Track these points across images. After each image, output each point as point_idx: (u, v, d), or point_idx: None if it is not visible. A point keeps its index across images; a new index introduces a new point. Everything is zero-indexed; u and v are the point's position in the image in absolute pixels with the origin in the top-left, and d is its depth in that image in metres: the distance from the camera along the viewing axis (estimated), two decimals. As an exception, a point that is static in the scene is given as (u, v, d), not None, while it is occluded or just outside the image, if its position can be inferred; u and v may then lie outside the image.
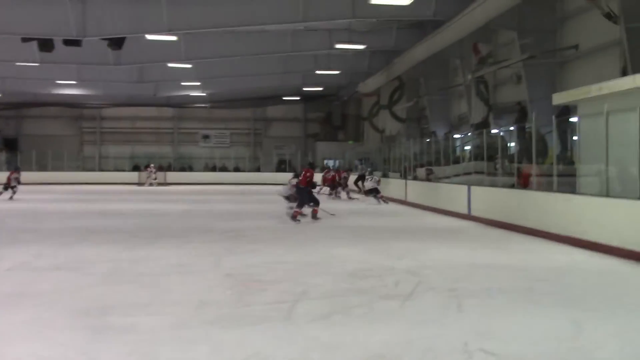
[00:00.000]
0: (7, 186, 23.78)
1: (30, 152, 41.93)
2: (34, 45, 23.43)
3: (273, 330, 5.58)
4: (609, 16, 15.72)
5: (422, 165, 23.59)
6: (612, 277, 8.56)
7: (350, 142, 45.92)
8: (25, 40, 22.63)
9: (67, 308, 6.36)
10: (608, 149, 10.89)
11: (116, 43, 23.26)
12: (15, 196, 23.38)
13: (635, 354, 5.02)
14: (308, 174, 16.31)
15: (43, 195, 27.45)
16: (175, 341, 5.25)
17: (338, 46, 26.36)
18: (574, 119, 15.07)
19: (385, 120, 38.24)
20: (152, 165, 40.63)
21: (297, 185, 16.32)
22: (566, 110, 16.17)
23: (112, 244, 11.34)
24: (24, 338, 5.29)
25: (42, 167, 41.03)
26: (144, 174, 40.21)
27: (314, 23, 24.30)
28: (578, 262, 9.72)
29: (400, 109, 35.71)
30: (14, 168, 26.92)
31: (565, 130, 15.73)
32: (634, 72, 13.85)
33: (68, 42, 22.58)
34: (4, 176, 24.79)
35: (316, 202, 16.26)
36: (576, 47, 19.21)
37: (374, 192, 22.47)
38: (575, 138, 15.12)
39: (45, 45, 22.81)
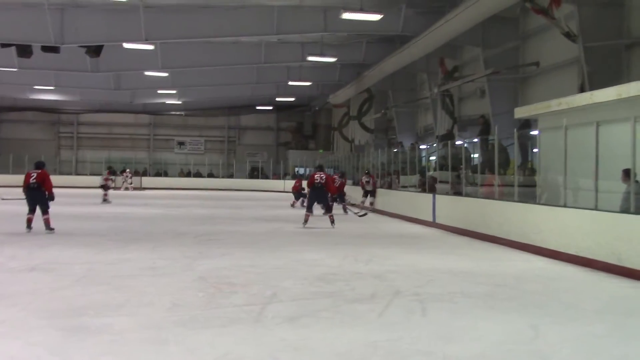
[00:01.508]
0: None
1: (8, 155, 41.33)
2: (13, 50, 23.12)
3: (243, 331, 5.55)
4: (568, 35, 15.93)
5: (389, 174, 23.69)
6: (569, 283, 8.66)
7: (321, 150, 45.97)
8: (3, 45, 22.28)
9: (41, 309, 6.25)
10: (566, 161, 11.01)
11: (94, 51, 23.02)
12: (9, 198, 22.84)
13: (590, 356, 5.08)
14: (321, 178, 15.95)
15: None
16: (148, 342, 5.19)
17: (310, 58, 26.37)
18: (534, 132, 15.23)
19: (354, 131, 38.37)
20: (127, 170, 40.27)
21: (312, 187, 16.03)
22: (527, 124, 16.37)
23: (87, 247, 11.20)
24: (-2, 338, 5.19)
25: (19, 171, 40.36)
26: (119, 179, 39.83)
27: (287, 36, 24.37)
28: (537, 269, 9.82)
29: (369, 119, 35.86)
30: None
31: (526, 142, 15.90)
32: (592, 88, 14.05)
33: (46, 49, 22.30)
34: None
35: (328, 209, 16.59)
36: (537, 64, 19.44)
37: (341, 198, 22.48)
38: (535, 150, 15.29)
39: (24, 51, 22.50)
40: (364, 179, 23.39)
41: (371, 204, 23.05)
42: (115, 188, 38.84)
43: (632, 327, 6.20)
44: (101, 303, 6.58)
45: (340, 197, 22.46)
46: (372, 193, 23.24)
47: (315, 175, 15.96)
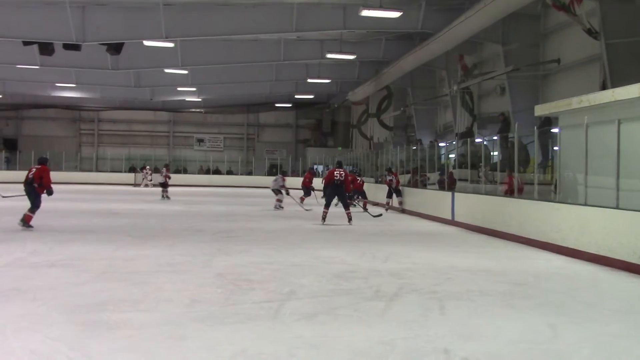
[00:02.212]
0: None
1: (29, 152, 41.69)
2: (35, 48, 23.39)
3: (261, 328, 5.56)
4: (590, 32, 15.82)
5: (408, 172, 23.59)
6: (589, 283, 8.59)
7: (340, 148, 45.99)
8: (26, 43, 22.56)
9: (61, 304, 6.31)
10: (587, 159, 10.93)
11: (115, 48, 23.23)
12: (10, 195, 23.22)
13: (609, 356, 5.03)
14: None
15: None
16: (166, 337, 5.22)
17: (329, 56, 26.42)
18: (555, 130, 15.13)
19: (373, 128, 38.32)
20: (147, 167, 40.50)
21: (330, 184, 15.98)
22: (548, 122, 16.26)
23: (107, 243, 11.28)
24: (18, 333, 5.23)
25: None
26: (139, 175, 40.07)
27: (306, 33, 24.38)
28: (557, 268, 9.75)
29: (388, 117, 35.83)
30: None
31: (546, 140, 15.81)
32: (613, 86, 13.96)
33: (68, 47, 22.56)
34: (4, 176, 24.62)
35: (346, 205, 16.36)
36: (558, 61, 19.34)
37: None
38: (556, 148, 15.19)
39: (46, 49, 22.76)
40: (388, 177, 22.06)
41: (400, 203, 21.69)
42: (135, 185, 39.24)
43: (652, 327, 6.14)
44: (120, 299, 6.62)
45: (362, 194, 22.39)
46: (398, 192, 21.86)
47: (335, 172, 15.94)
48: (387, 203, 22.09)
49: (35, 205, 13.28)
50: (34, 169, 13.56)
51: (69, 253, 9.96)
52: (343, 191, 16.08)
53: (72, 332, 5.30)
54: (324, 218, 15.65)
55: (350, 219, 15.88)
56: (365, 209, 20.44)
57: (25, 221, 13.14)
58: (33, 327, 5.41)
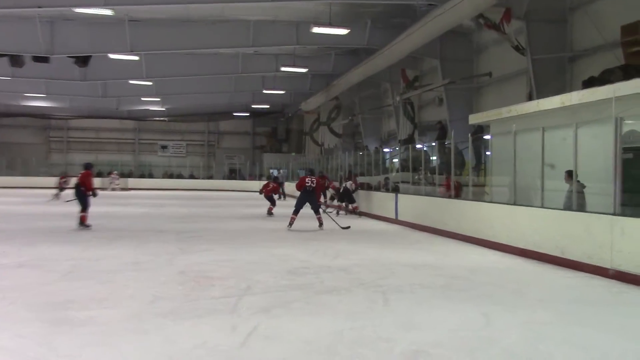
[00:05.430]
0: None
1: (1, 158, 40.66)
2: (6, 60, 22.77)
3: (219, 321, 5.50)
4: (518, 48, 16.15)
5: (356, 175, 23.52)
6: (518, 275, 8.73)
7: (293, 153, 45.94)
8: (-3, 55, 21.96)
9: (29, 302, 6.13)
10: (516, 163, 11.11)
11: (82, 61, 22.77)
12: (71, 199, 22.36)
13: (535, 340, 5.11)
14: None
15: (11, 198, 26.59)
16: (130, 332, 5.11)
17: (283, 69, 26.36)
18: (487, 137, 15.39)
19: (324, 135, 38.44)
20: (114, 172, 39.81)
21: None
22: (480, 129, 16.54)
23: (74, 244, 11.03)
24: (-13, 330, 5.07)
25: (12, 173, 39.93)
26: (107, 180, 39.31)
27: (262, 48, 24.28)
28: (490, 262, 9.88)
29: (338, 125, 35.99)
30: None
31: (479, 146, 16.05)
32: (538, 97, 14.27)
33: (37, 59, 22.03)
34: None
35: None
36: (489, 74, 19.65)
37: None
38: (488, 153, 15.44)
39: (16, 61, 22.23)
40: (348, 184, 20.20)
41: (355, 208, 19.91)
42: (102, 189, 38.48)
43: (573, 314, 6.27)
44: (86, 297, 6.46)
45: (350, 198, 20.12)
46: (351, 198, 20.00)
47: (307, 179, 15.16)
48: (339, 207, 20.96)
49: (84, 206, 13.67)
50: (80, 175, 14.01)
51: (37, 254, 9.70)
52: (314, 197, 15.40)
53: (39, 329, 5.15)
54: (290, 224, 14.66)
55: (321, 224, 15.01)
56: (338, 213, 19.25)
57: (82, 222, 13.59)
58: (2, 325, 5.25)
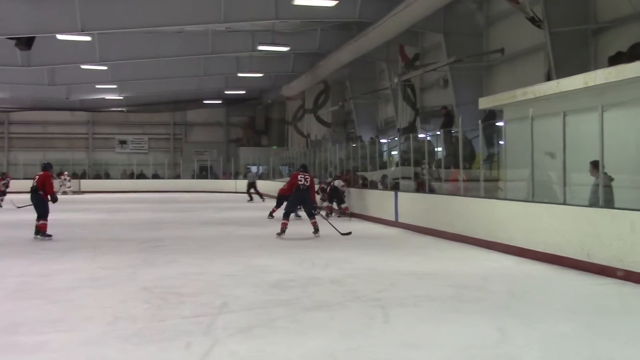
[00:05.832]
0: None
1: None
2: None
3: (192, 345, 5.51)
4: (533, 20, 16.19)
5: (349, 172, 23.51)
6: (536, 282, 8.80)
7: (275, 147, 45.92)
8: None
9: (-32, 327, 6.13)
10: (533, 153, 11.17)
11: (25, 43, 22.55)
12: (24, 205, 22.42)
13: (558, 358, 5.17)
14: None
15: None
16: (88, 359, 5.12)
17: (261, 48, 26.31)
18: (500, 123, 15.44)
19: (310, 125, 38.44)
20: (65, 172, 39.62)
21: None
22: (492, 115, 16.59)
23: (21, 257, 11.02)
24: None
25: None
26: (56, 182, 39.14)
27: (235, 24, 24.24)
28: (504, 268, 9.96)
29: (326, 113, 35.99)
30: None
31: (491, 134, 16.11)
32: (558, 76, 14.32)
33: (-30, 41, 21.86)
34: None
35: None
36: (502, 51, 19.72)
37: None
38: (501, 142, 15.49)
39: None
40: (337, 182, 20.54)
41: (346, 209, 20.17)
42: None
43: (601, 325, 6.33)
44: (36, 319, 6.47)
45: (339, 198, 20.23)
46: (341, 198, 20.32)
47: (299, 176, 14.89)
48: (328, 208, 20.69)
49: (44, 213, 13.64)
50: (37, 177, 13.82)
51: (-23, 270, 9.68)
52: (309, 198, 15.04)
53: (-20, 358, 5.15)
54: (283, 231, 14.31)
55: (316, 230, 14.72)
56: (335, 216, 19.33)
57: (42, 231, 13.58)
58: (-64, 355, 5.25)
